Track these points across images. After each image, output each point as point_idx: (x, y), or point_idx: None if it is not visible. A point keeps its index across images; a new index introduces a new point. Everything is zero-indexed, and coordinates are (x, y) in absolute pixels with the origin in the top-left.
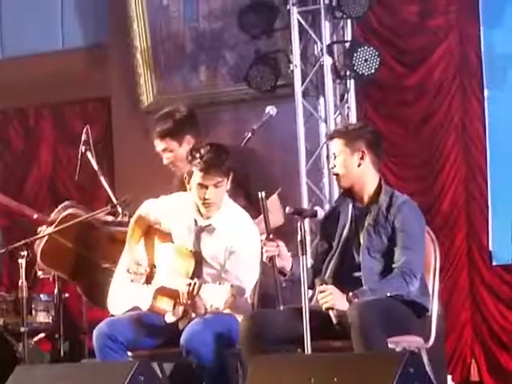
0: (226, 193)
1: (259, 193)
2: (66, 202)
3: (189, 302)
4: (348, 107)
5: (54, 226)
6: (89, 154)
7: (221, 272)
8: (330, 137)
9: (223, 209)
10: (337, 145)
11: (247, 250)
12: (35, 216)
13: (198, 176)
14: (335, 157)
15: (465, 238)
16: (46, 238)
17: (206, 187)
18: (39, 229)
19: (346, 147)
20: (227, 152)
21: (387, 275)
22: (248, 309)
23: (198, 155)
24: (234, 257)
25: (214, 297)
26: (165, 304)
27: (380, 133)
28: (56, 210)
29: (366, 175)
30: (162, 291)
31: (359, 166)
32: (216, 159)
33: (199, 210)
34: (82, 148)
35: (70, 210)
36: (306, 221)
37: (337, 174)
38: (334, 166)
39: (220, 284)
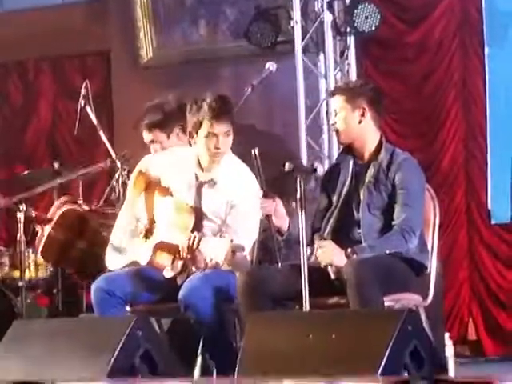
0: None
1: (252, 150)
2: (64, 198)
3: (188, 256)
4: (348, 64)
5: (52, 223)
6: (88, 109)
7: (221, 227)
8: (332, 93)
9: (225, 163)
10: (338, 101)
11: (248, 205)
12: (33, 214)
13: (207, 125)
14: (336, 113)
15: (464, 196)
16: (45, 236)
17: (217, 136)
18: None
19: (347, 104)
20: (231, 101)
21: (387, 232)
22: (247, 265)
23: (205, 104)
24: (235, 211)
25: (215, 250)
26: (164, 259)
27: (381, 90)
28: (54, 206)
29: (367, 132)
30: (161, 246)
31: (360, 122)
32: (224, 107)
33: (200, 165)
34: (82, 102)
35: (67, 206)
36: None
37: (337, 130)
38: (335, 122)
39: (220, 237)
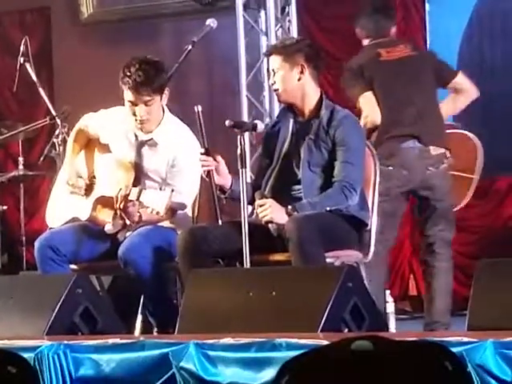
0: (165, 107)
1: (195, 107)
2: None
3: (121, 206)
4: (289, 20)
5: None
6: (27, 66)
7: (162, 185)
8: (268, 53)
9: (164, 123)
10: (275, 61)
11: (188, 164)
12: None
13: (128, 94)
14: (274, 73)
15: None
16: None
17: (136, 105)
18: None
19: (285, 62)
20: (160, 69)
21: (327, 189)
22: (188, 223)
23: (128, 73)
24: (176, 170)
25: (155, 201)
26: (105, 215)
27: (318, 46)
28: None
29: (307, 89)
30: (102, 201)
31: (299, 80)
32: (145, 78)
33: (137, 126)
34: (21, 59)
35: None
36: (246, 134)
37: (277, 90)
38: (274, 82)
39: (161, 189)
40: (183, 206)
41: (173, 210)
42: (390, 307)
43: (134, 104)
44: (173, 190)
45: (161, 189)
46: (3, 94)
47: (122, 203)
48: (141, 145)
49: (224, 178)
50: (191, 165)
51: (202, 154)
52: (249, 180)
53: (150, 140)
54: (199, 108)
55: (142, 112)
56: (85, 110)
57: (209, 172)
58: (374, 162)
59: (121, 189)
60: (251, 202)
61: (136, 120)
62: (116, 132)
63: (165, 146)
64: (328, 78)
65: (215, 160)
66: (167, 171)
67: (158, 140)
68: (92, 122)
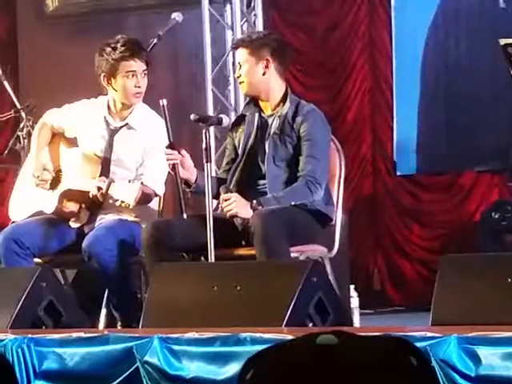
0: None
1: (160, 101)
2: None
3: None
4: (255, 15)
5: None
6: None
7: (132, 174)
8: (235, 46)
9: (138, 108)
10: (242, 54)
11: (161, 153)
12: None
13: (125, 64)
14: (240, 66)
15: (369, 148)
16: None
17: (137, 75)
18: None
19: (251, 56)
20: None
21: (292, 184)
22: (153, 216)
23: (119, 45)
24: (148, 159)
25: (124, 193)
26: (71, 208)
27: (285, 41)
28: None
29: (272, 83)
30: (68, 194)
31: (264, 74)
32: (137, 44)
33: (112, 112)
34: None
35: None
36: (211, 128)
37: (242, 83)
38: (240, 75)
39: (130, 182)
40: (153, 197)
41: (142, 201)
42: (355, 301)
43: (134, 74)
44: (142, 183)
45: (135, 177)
46: None
47: (98, 198)
48: (113, 133)
49: (189, 172)
50: (163, 155)
51: (167, 147)
52: (214, 174)
53: (125, 125)
54: (164, 102)
55: (142, 82)
56: (50, 103)
57: (174, 166)
58: (340, 158)
59: (98, 187)
60: (216, 196)
61: (135, 93)
62: (83, 125)
63: (140, 131)
64: (293, 72)
65: (180, 154)
66: (142, 158)
67: (134, 125)
68: (56, 117)
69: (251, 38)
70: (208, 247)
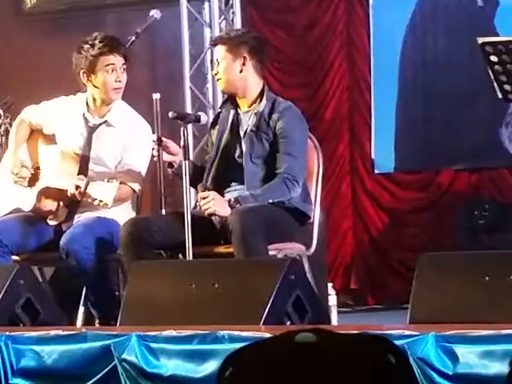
0: None
1: (153, 94)
2: None
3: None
4: (233, 12)
5: None
6: None
7: (111, 171)
8: (213, 43)
9: (116, 105)
10: (219, 51)
11: (140, 149)
12: None
13: (105, 60)
14: (218, 63)
15: (347, 146)
16: None
17: (116, 69)
18: None
19: (229, 53)
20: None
21: (269, 181)
22: (131, 214)
23: (97, 42)
24: (127, 157)
25: (102, 193)
26: (48, 205)
27: (263, 38)
28: None
29: (248, 81)
30: (46, 192)
31: (241, 71)
32: (115, 40)
33: (90, 109)
34: None
35: None
36: (189, 126)
37: (219, 80)
38: (218, 72)
39: (108, 181)
40: (131, 195)
41: (121, 200)
42: (332, 299)
43: (114, 69)
44: (121, 182)
45: (114, 174)
46: None
47: (76, 197)
48: (92, 130)
49: (176, 155)
50: (143, 151)
51: (154, 141)
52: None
53: (104, 122)
54: (157, 96)
55: (122, 77)
56: (28, 100)
57: (158, 155)
58: (318, 155)
59: (76, 185)
60: (195, 183)
61: (116, 88)
62: (61, 122)
63: (120, 128)
64: (271, 70)
65: (166, 146)
66: (121, 155)
67: (113, 122)
68: (34, 114)
69: (229, 36)
70: (186, 245)
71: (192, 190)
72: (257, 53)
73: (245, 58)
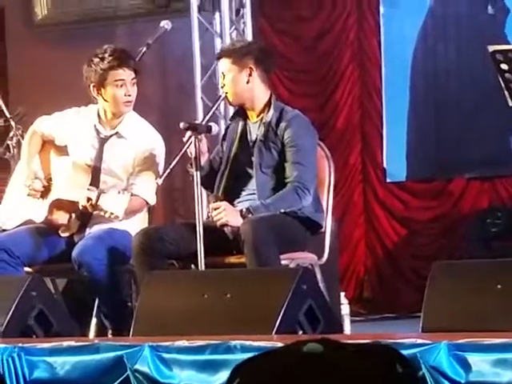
0: None
1: (221, 89)
2: None
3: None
4: (244, 23)
5: None
6: None
7: (123, 183)
8: (218, 56)
9: (128, 117)
10: (225, 64)
11: (152, 161)
12: None
13: (114, 74)
14: (224, 76)
15: (359, 155)
16: None
17: (126, 83)
18: None
19: (234, 65)
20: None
21: (280, 190)
22: (143, 225)
23: (106, 55)
24: (140, 169)
25: (114, 205)
26: (60, 217)
27: (267, 48)
28: None
29: (256, 91)
30: (58, 204)
31: (248, 82)
32: (125, 53)
33: (102, 121)
34: None
35: None
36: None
37: (227, 93)
38: (224, 85)
39: (119, 193)
40: (143, 207)
41: (132, 212)
42: (345, 309)
43: (124, 83)
44: (132, 194)
45: (126, 186)
46: None
47: (88, 209)
48: (103, 141)
49: (204, 153)
50: (154, 163)
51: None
52: None
53: (115, 134)
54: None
55: (132, 91)
56: (39, 112)
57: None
58: (329, 165)
59: (87, 197)
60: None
61: (126, 102)
62: (73, 133)
63: (131, 140)
64: (282, 79)
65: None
66: (133, 166)
67: (124, 134)
68: (46, 125)
69: (234, 48)
70: (198, 255)
71: (204, 200)
72: (262, 63)
73: (251, 68)
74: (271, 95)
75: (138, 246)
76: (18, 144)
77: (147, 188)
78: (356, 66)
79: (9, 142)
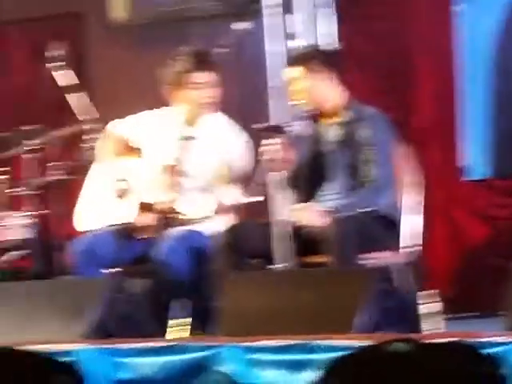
0: None
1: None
2: None
3: (168, 215)
4: (316, 24)
5: None
6: (59, 71)
7: (206, 183)
8: (288, 64)
9: (207, 119)
10: (296, 72)
11: (235, 162)
12: None
13: (190, 76)
14: (296, 83)
15: (439, 153)
16: None
17: (202, 86)
18: None
19: (306, 72)
20: (211, 54)
21: (359, 189)
22: (225, 225)
23: (183, 57)
24: (222, 168)
25: (194, 208)
26: (142, 220)
27: (335, 49)
28: None
29: (329, 93)
30: (145, 206)
31: (321, 87)
32: (203, 55)
33: (184, 121)
34: (52, 65)
35: None
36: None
37: (300, 100)
38: (297, 92)
39: (200, 195)
40: (226, 210)
41: (216, 215)
42: (425, 308)
43: (203, 85)
44: (215, 197)
45: (207, 186)
46: (34, 101)
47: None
48: (185, 142)
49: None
50: (238, 162)
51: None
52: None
53: (195, 135)
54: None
55: (208, 92)
56: (116, 114)
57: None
58: (408, 163)
59: (165, 200)
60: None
61: (205, 103)
62: (150, 136)
63: (211, 141)
64: (359, 78)
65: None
66: (215, 166)
67: (204, 135)
68: (122, 127)
69: (304, 55)
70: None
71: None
72: (333, 65)
73: (322, 72)
74: (346, 95)
75: (223, 244)
76: (94, 147)
77: (229, 192)
78: (433, 63)
79: (84, 145)
